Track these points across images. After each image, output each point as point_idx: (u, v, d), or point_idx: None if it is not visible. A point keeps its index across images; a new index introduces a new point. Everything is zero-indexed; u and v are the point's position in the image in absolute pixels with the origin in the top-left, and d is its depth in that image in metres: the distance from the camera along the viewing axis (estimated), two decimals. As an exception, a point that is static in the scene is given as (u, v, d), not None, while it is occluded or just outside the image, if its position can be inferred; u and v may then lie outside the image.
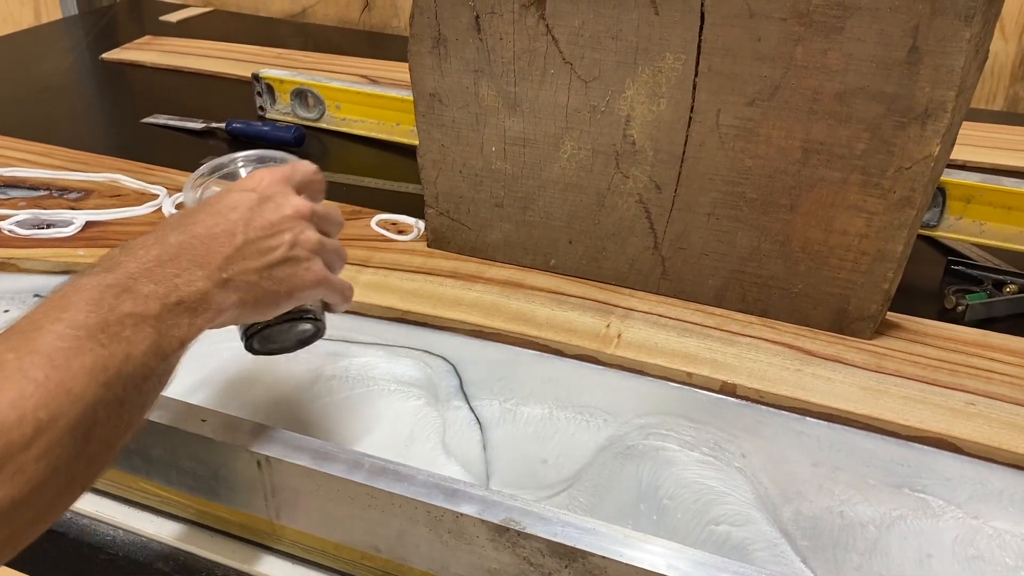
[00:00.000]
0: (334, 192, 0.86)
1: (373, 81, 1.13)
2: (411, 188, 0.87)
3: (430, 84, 0.68)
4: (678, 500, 0.52)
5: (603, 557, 0.40)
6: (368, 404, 0.59)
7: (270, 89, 1.03)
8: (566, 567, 0.41)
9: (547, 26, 0.62)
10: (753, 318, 0.67)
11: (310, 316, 0.49)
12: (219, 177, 0.52)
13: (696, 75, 0.60)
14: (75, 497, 0.36)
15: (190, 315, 0.40)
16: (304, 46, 1.34)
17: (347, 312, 0.68)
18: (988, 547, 0.49)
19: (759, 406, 0.60)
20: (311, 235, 0.47)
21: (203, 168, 0.52)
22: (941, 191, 0.75)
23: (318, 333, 0.51)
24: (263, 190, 0.46)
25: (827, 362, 0.62)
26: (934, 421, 0.57)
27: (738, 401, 0.60)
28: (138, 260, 0.40)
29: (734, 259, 0.66)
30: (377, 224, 0.78)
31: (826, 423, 0.58)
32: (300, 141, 0.97)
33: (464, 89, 0.67)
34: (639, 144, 0.64)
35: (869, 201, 0.60)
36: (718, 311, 0.68)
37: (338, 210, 0.51)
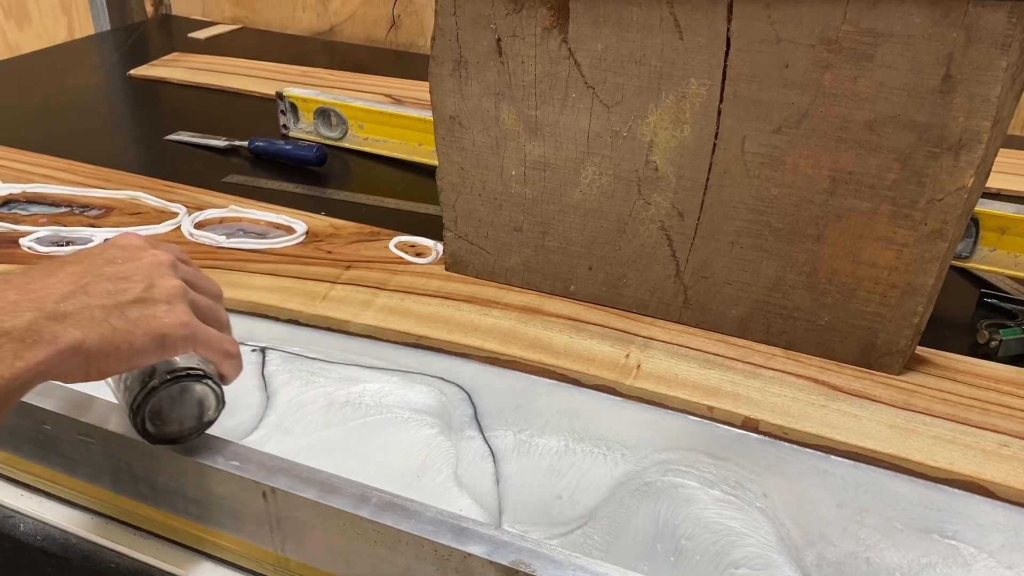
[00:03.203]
0: (354, 212, 0.86)
1: (397, 100, 1.13)
2: (431, 209, 0.87)
3: (451, 107, 0.67)
4: (697, 541, 0.50)
5: (615, 604, 0.39)
6: (381, 432, 0.58)
7: (294, 108, 1.03)
8: (577, 613, 0.40)
9: (569, 50, 0.61)
10: (777, 350, 0.65)
11: (198, 373, 0.44)
12: None
13: (721, 101, 0.59)
14: None
15: (16, 346, 0.37)
16: (331, 64, 1.35)
17: (362, 336, 0.67)
18: (1022, 600, 0.47)
19: (782, 443, 0.58)
20: (172, 282, 0.44)
21: None
22: (974, 221, 0.72)
23: (219, 401, 0.46)
24: (115, 241, 0.45)
25: (853, 398, 0.60)
26: (965, 463, 0.55)
27: (760, 437, 0.58)
28: None
29: (758, 289, 0.64)
30: (395, 246, 0.77)
31: (852, 462, 0.56)
32: (322, 160, 0.97)
33: (485, 112, 0.66)
34: (662, 170, 0.63)
35: (899, 233, 0.58)
36: (741, 342, 0.66)
37: (212, 280, 0.49)
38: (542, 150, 0.66)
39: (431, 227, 0.79)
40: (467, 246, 0.73)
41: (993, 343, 0.68)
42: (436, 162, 0.71)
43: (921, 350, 0.65)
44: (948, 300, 0.72)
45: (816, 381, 0.62)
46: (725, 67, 0.58)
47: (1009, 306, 0.72)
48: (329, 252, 0.76)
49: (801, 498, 0.53)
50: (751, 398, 0.60)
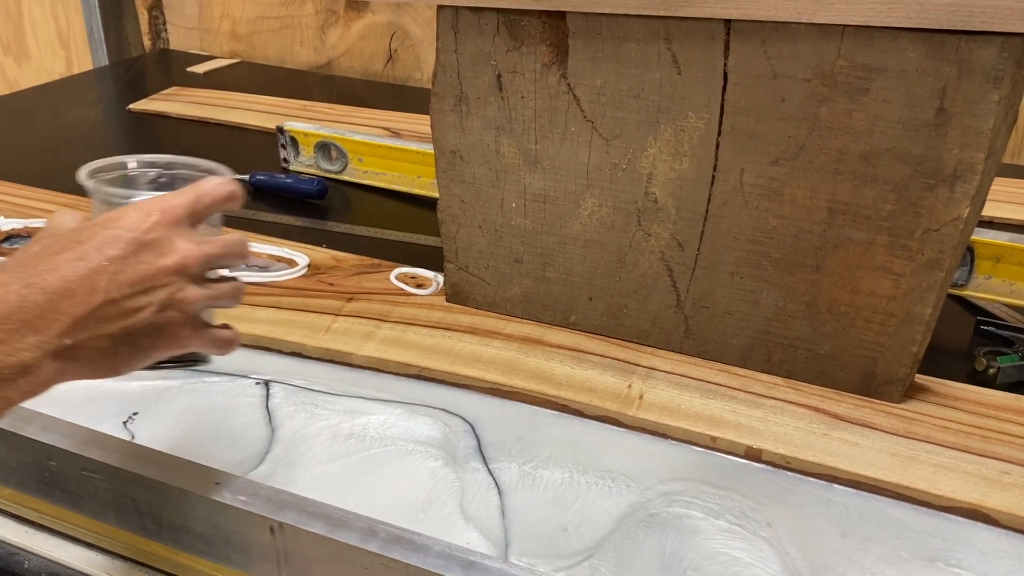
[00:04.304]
0: (355, 244, 0.86)
1: (395, 133, 1.14)
2: (431, 241, 0.87)
3: (452, 141, 0.68)
4: (703, 571, 0.50)
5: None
6: (386, 465, 0.58)
7: (294, 142, 1.04)
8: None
9: (568, 85, 0.62)
10: (778, 379, 0.66)
11: (176, 363, 0.44)
12: (117, 187, 0.45)
13: (719, 134, 0.60)
14: None
15: (4, 386, 0.34)
16: (329, 98, 1.36)
17: (365, 368, 0.68)
18: (1028, 628, 0.47)
19: (785, 472, 0.58)
20: (192, 293, 0.40)
21: (96, 164, 0.46)
22: (970, 250, 0.73)
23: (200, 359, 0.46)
24: (146, 231, 0.38)
25: (854, 426, 0.61)
26: (967, 491, 0.55)
27: (764, 467, 0.58)
28: None
29: (759, 319, 0.65)
30: (396, 278, 0.78)
31: (854, 491, 0.56)
32: (323, 194, 0.97)
33: (485, 146, 0.67)
34: (661, 202, 0.64)
35: (896, 263, 0.59)
36: (742, 372, 0.67)
37: (243, 240, 0.44)
38: (542, 183, 0.66)
39: (432, 259, 0.80)
40: (468, 277, 0.73)
41: (991, 370, 0.68)
42: (436, 194, 0.71)
43: (920, 378, 0.66)
44: (946, 328, 0.72)
45: (817, 410, 0.62)
46: (723, 101, 0.59)
47: (1006, 333, 0.73)
48: (331, 284, 0.77)
49: (805, 527, 0.53)
50: (753, 428, 0.60)
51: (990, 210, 0.95)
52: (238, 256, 0.43)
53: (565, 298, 0.71)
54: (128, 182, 0.47)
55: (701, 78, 0.58)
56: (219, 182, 0.43)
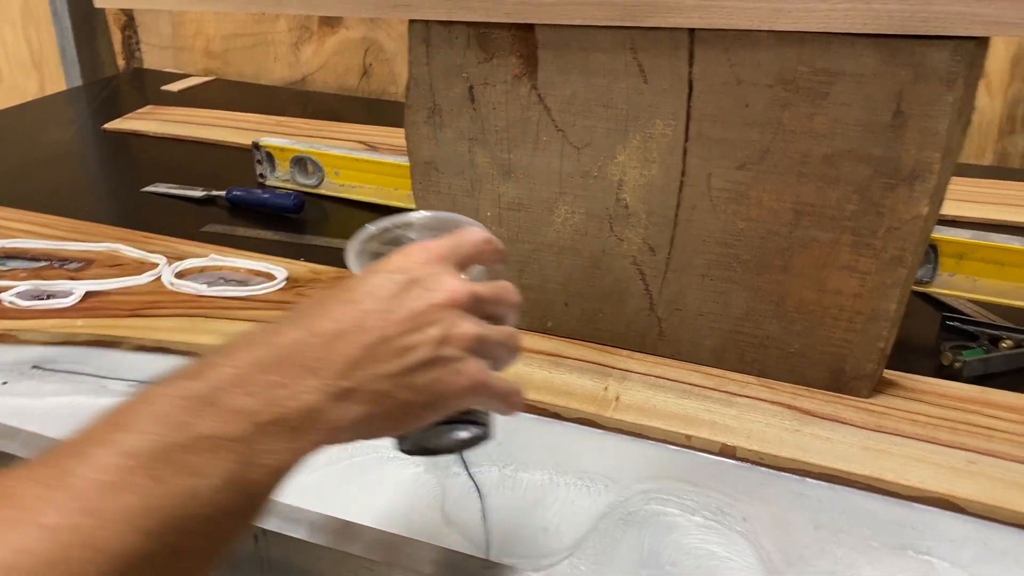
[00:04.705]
0: (334, 257, 0.87)
1: (371, 147, 1.15)
2: (409, 252, 0.88)
3: (426, 153, 0.69)
4: (681, 567, 0.51)
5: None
6: (368, 472, 0.58)
7: (270, 157, 1.05)
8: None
9: (539, 96, 0.64)
10: (751, 378, 0.67)
11: (471, 420, 0.41)
12: (385, 242, 0.44)
13: (686, 140, 0.61)
14: None
15: (291, 437, 0.32)
16: (304, 113, 1.37)
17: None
18: (995, 610, 0.48)
19: (759, 468, 0.59)
20: (467, 328, 0.38)
21: (368, 231, 0.45)
22: (933, 248, 0.75)
23: (486, 436, 0.43)
24: (412, 270, 0.38)
25: (826, 422, 0.62)
26: (936, 481, 0.56)
27: (738, 463, 0.60)
28: (234, 363, 0.33)
29: (730, 320, 0.66)
30: (375, 289, 0.79)
31: (827, 484, 0.58)
32: (300, 207, 0.98)
33: (459, 157, 0.68)
34: (632, 208, 0.65)
35: (861, 261, 0.60)
36: (716, 372, 0.68)
37: (511, 288, 0.42)
38: (516, 192, 0.68)
39: (409, 270, 0.81)
40: (446, 287, 0.74)
41: (957, 364, 0.70)
42: (412, 206, 0.72)
43: (889, 373, 0.67)
44: (912, 325, 0.74)
45: (789, 407, 0.64)
46: (689, 108, 0.60)
47: (971, 328, 0.75)
48: (310, 297, 0.77)
49: (779, 521, 0.55)
50: (727, 426, 0.62)
51: (953, 209, 0.97)
52: (507, 302, 0.42)
53: (541, 304, 0.72)
54: (393, 243, 0.46)
55: (667, 86, 0.60)
56: (477, 231, 0.43)
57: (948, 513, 0.55)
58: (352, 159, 1.00)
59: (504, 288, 0.41)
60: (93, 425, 0.30)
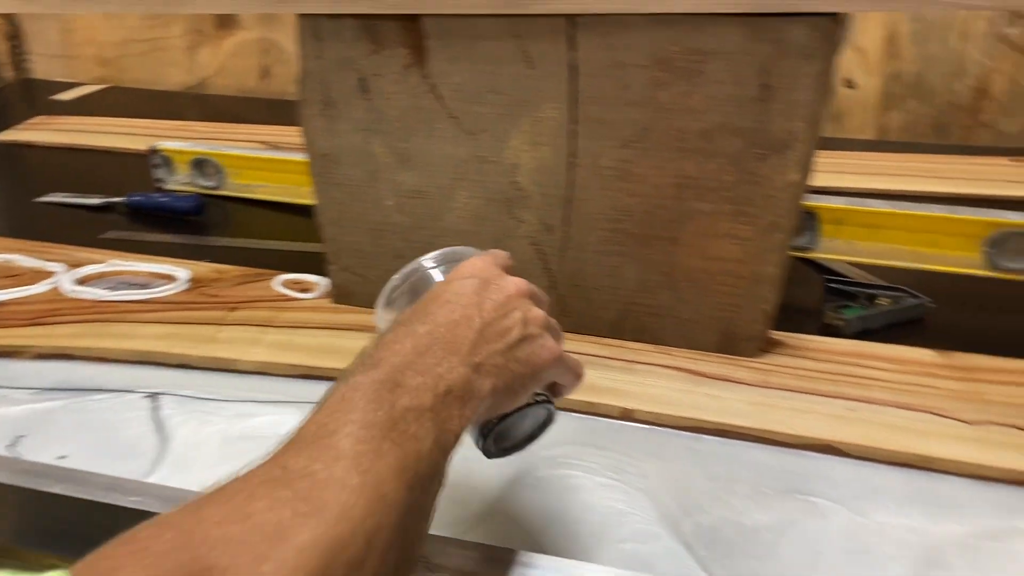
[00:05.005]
0: (238, 257, 0.87)
1: (273, 147, 1.14)
2: (315, 247, 0.88)
3: (323, 145, 0.70)
4: (586, 523, 0.54)
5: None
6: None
7: (168, 161, 1.03)
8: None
9: (430, 84, 0.65)
10: (648, 346, 0.71)
11: (542, 398, 0.46)
12: (410, 288, 0.50)
13: (574, 123, 0.64)
14: None
15: (459, 404, 0.38)
16: (203, 117, 1.35)
17: (254, 373, 0.69)
18: (872, 540, 0.53)
19: (658, 428, 0.62)
20: (538, 312, 0.45)
21: (393, 281, 0.51)
22: (813, 215, 0.80)
23: (549, 419, 0.48)
24: (479, 274, 0.45)
25: (717, 382, 0.66)
26: (819, 428, 0.61)
27: (638, 425, 0.63)
28: (396, 354, 0.38)
29: (625, 292, 0.70)
30: (281, 284, 0.79)
31: (720, 439, 0.61)
32: (201, 210, 0.97)
33: (356, 148, 0.69)
34: (527, 190, 0.68)
35: (741, 228, 0.64)
36: (615, 342, 0.71)
37: (543, 293, 0.49)
38: (414, 180, 0.69)
39: (317, 264, 0.82)
40: (351, 277, 0.75)
41: (839, 322, 0.75)
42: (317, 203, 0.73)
43: (776, 334, 0.71)
44: (798, 289, 0.79)
45: (684, 370, 0.67)
46: (574, 91, 0.63)
47: (851, 289, 0.80)
48: (214, 296, 0.78)
49: (677, 475, 0.58)
50: (627, 391, 0.65)
51: (836, 181, 1.03)
52: (544, 296, 0.48)
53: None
54: (423, 281, 0.50)
55: (552, 71, 0.63)
56: (499, 252, 0.49)
57: (830, 457, 0.59)
58: (253, 158, 0.99)
59: (538, 289, 0.48)
60: (319, 414, 0.36)
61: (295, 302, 0.77)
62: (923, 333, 0.75)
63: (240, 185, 1.01)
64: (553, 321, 0.46)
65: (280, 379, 0.68)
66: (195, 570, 0.28)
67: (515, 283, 0.45)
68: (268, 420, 0.63)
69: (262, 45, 1.52)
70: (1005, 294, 0.78)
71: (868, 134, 1.36)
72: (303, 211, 0.97)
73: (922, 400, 0.63)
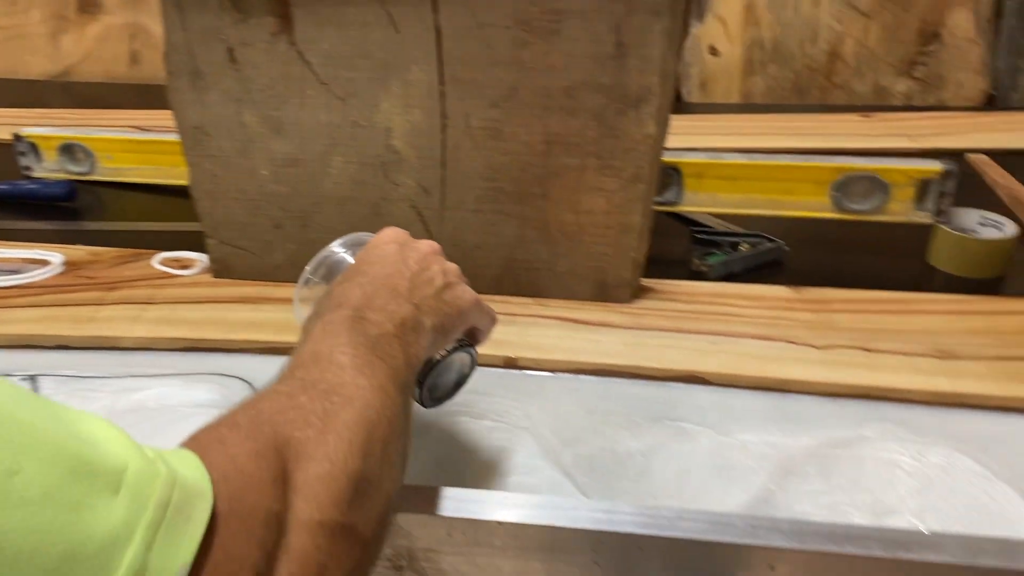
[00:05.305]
0: (114, 240, 0.85)
1: (146, 131, 1.12)
2: (193, 227, 0.88)
3: (193, 117, 0.70)
4: (473, 463, 0.56)
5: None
6: (167, 430, 0.59)
7: (34, 147, 1.00)
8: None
9: (299, 52, 0.66)
10: (528, 299, 0.74)
11: (464, 342, 0.52)
12: (325, 271, 0.55)
13: (442, 84, 0.66)
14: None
15: (415, 333, 0.44)
16: (71, 104, 1.31)
17: (135, 349, 0.68)
18: (734, 455, 0.57)
19: (539, 372, 0.66)
20: (451, 265, 0.51)
21: (307, 271, 0.55)
22: (677, 171, 0.85)
23: (473, 364, 0.54)
24: (396, 239, 0.51)
25: (594, 327, 0.70)
26: (686, 361, 0.65)
27: (521, 372, 0.66)
28: (352, 298, 0.44)
29: (504, 248, 0.72)
30: (160, 263, 0.79)
31: (596, 378, 0.65)
32: (72, 195, 0.95)
33: (228, 118, 0.69)
34: (402, 153, 0.69)
35: (606, 181, 0.68)
36: (498, 298, 0.74)
37: None
38: (289, 148, 0.70)
39: (196, 242, 0.81)
40: (231, 250, 0.75)
41: (704, 268, 0.80)
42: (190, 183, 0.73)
43: (648, 281, 0.76)
44: (667, 241, 0.84)
45: (563, 319, 0.71)
46: (440, 53, 0.65)
47: (715, 237, 0.85)
48: (91, 278, 0.76)
49: (557, 413, 0.61)
50: (510, 341, 0.67)
51: (699, 141, 1.08)
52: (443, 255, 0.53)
53: (328, 255, 0.75)
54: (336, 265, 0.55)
55: (417, 34, 0.64)
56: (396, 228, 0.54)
57: (697, 386, 0.64)
58: (124, 141, 0.97)
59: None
60: (310, 342, 0.42)
61: (175, 279, 0.77)
62: (780, 273, 0.81)
63: (112, 169, 0.99)
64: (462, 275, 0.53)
65: (164, 353, 0.68)
66: (279, 441, 0.34)
67: (427, 243, 0.52)
68: (155, 393, 0.63)
69: (129, 30, 1.47)
70: (851, 234, 0.85)
71: (734, 98, 1.44)
72: (180, 192, 0.96)
73: (778, 331, 0.69)
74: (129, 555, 0.27)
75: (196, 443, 0.34)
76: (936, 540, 0.44)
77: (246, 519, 0.31)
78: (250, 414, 0.36)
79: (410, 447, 0.43)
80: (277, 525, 0.32)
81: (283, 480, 0.33)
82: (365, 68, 0.66)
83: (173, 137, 0.94)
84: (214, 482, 0.31)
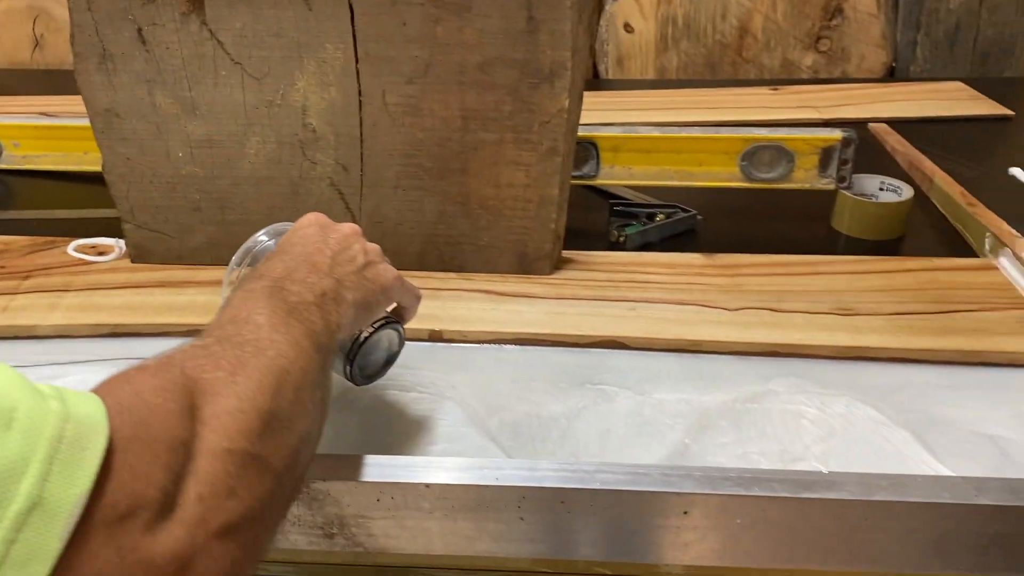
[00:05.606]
0: (25, 229, 0.83)
1: (52, 116, 1.09)
2: (109, 213, 0.86)
3: (104, 100, 0.69)
4: (400, 433, 0.58)
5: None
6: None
7: (-67, 137, 0.96)
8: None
9: (210, 31, 0.66)
10: (452, 274, 0.75)
11: (391, 320, 0.54)
12: (251, 259, 0.57)
13: (357, 61, 0.66)
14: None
15: (335, 304, 0.46)
16: (-30, 92, 1.26)
17: (53, 337, 0.67)
18: (652, 414, 0.60)
19: (464, 344, 0.67)
20: (372, 245, 0.53)
21: (234, 261, 0.57)
22: (594, 145, 0.87)
23: (401, 341, 0.56)
24: (317, 221, 0.53)
25: (517, 298, 0.71)
26: (605, 328, 0.67)
27: (446, 344, 0.67)
28: (273, 271, 0.46)
29: (426, 224, 0.73)
30: (75, 250, 0.77)
31: (520, 347, 0.67)
32: (-23, 184, 0.92)
33: (139, 100, 0.68)
34: (320, 131, 0.69)
35: (523, 155, 0.69)
36: (421, 274, 0.75)
37: None
38: (204, 129, 0.69)
39: (113, 228, 0.80)
40: (148, 234, 0.75)
41: (622, 239, 0.82)
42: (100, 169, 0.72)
43: (568, 253, 0.78)
44: (587, 214, 0.86)
45: (486, 292, 0.72)
46: (353, 31, 0.65)
47: (632, 209, 0.88)
48: (2, 267, 0.74)
49: (482, 382, 0.63)
50: (434, 315, 0.69)
51: (616, 117, 1.11)
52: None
53: (248, 237, 0.74)
54: (262, 252, 0.57)
55: (330, 11, 0.65)
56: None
57: (616, 351, 0.66)
58: (32, 127, 0.94)
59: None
60: (230, 307, 0.43)
61: (92, 266, 0.75)
62: (694, 241, 0.84)
63: (20, 157, 0.96)
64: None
65: (83, 340, 0.67)
66: (187, 380, 0.36)
67: (348, 225, 0.54)
68: (74, 380, 0.62)
69: (31, 13, 1.42)
70: (759, 202, 0.88)
71: (649, 75, 1.47)
72: (92, 179, 0.94)
73: (692, 295, 0.71)
74: (24, 486, 0.28)
75: (105, 384, 0.35)
76: (835, 479, 0.47)
77: (151, 443, 0.32)
78: (161, 359, 0.37)
79: (328, 401, 0.44)
80: (184, 450, 0.33)
81: (190, 413, 0.34)
82: (279, 47, 0.66)
83: (83, 122, 0.92)
84: (116, 414, 0.32)
